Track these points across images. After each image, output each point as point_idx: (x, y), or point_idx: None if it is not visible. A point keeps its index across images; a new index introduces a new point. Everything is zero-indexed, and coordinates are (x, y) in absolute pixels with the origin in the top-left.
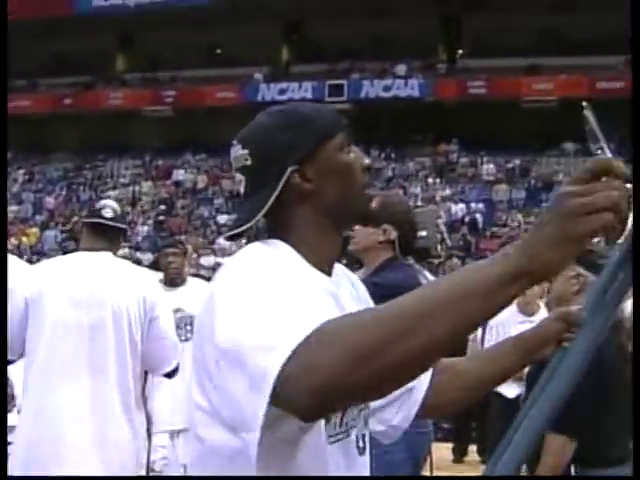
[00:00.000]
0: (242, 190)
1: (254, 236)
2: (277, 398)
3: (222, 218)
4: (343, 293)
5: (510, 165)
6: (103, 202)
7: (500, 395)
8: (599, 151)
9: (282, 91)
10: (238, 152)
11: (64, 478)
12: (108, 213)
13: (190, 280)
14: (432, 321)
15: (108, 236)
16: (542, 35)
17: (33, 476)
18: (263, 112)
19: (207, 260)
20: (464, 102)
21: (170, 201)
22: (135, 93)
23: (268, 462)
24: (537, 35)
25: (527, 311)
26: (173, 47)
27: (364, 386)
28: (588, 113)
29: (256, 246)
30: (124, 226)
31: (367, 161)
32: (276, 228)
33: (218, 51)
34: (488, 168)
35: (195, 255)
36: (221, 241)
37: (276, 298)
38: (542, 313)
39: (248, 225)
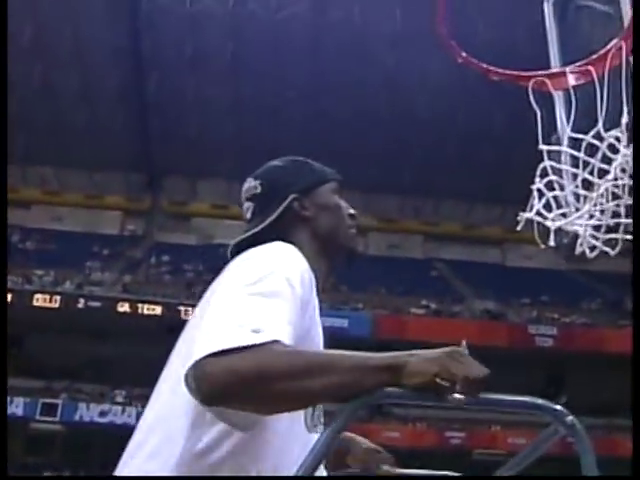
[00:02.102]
0: (249, 215)
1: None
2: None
3: None
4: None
5: None
6: None
7: None
8: None
9: None
10: (251, 184)
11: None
12: None
13: None
14: (326, 378)
15: None
16: None
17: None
18: (276, 159)
19: None
20: None
21: None
22: None
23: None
24: None
25: None
26: None
27: (259, 401)
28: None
29: (285, 245)
30: None
31: (352, 210)
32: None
33: None
34: None
35: None
36: None
37: (274, 295)
38: None
39: (253, 231)
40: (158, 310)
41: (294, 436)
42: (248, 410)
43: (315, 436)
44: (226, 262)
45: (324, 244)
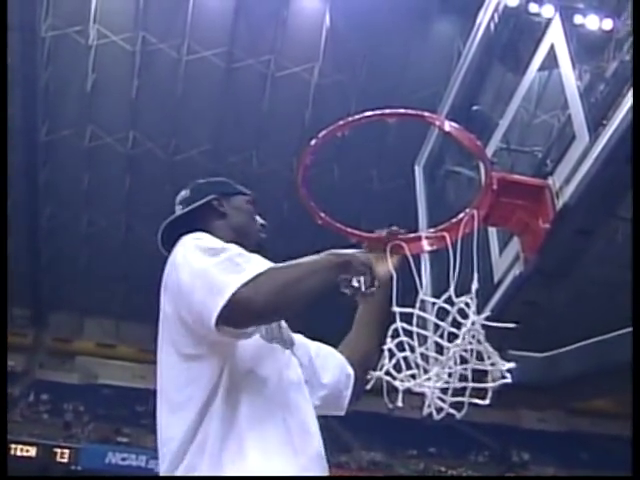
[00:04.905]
0: (178, 213)
1: None
2: (230, 305)
3: None
4: None
5: None
6: None
7: None
8: None
9: None
10: (182, 193)
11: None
12: None
13: None
14: (312, 277)
15: None
16: None
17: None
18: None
19: None
20: None
21: None
22: None
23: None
24: None
25: None
26: None
27: (281, 306)
28: None
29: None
30: None
31: (262, 221)
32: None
33: None
34: None
35: None
36: None
37: (229, 250)
38: None
39: (174, 216)
40: (32, 451)
41: (258, 346)
42: (275, 317)
43: (276, 346)
44: (109, 402)
45: (237, 237)
